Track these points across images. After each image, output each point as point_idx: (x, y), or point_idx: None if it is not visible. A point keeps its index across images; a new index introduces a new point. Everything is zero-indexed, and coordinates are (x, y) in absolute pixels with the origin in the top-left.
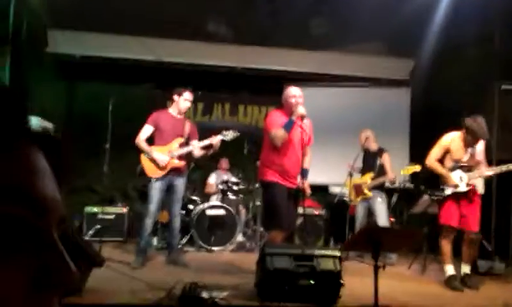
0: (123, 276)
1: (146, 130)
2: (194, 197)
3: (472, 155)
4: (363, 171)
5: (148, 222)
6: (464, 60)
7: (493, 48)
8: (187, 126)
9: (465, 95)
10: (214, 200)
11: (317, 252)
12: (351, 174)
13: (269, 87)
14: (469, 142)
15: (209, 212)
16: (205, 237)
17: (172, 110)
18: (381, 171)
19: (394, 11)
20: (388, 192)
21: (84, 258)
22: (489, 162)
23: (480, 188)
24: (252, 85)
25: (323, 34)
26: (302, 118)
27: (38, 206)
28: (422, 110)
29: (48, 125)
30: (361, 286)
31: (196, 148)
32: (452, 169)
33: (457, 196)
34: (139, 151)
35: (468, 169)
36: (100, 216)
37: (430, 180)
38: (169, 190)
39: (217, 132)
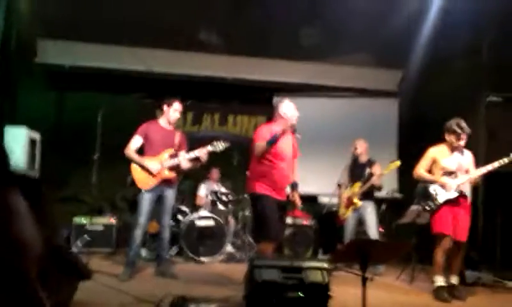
0: (112, 289)
1: (136, 141)
2: (184, 208)
3: (460, 164)
4: (352, 182)
5: (137, 234)
6: (452, 72)
7: (480, 60)
8: (177, 137)
9: (453, 107)
10: (204, 211)
11: (306, 264)
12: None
13: (258, 98)
14: (454, 145)
15: (198, 223)
16: (194, 248)
17: (162, 121)
18: (369, 180)
19: (383, 23)
20: (377, 202)
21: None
22: None
23: (468, 195)
24: (242, 95)
25: (313, 46)
26: (294, 131)
27: (16, 248)
28: (410, 121)
29: (36, 135)
30: (349, 297)
31: (184, 159)
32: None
33: (448, 205)
34: (128, 161)
35: (456, 177)
36: (88, 227)
37: (421, 192)
38: (159, 201)
39: (206, 142)
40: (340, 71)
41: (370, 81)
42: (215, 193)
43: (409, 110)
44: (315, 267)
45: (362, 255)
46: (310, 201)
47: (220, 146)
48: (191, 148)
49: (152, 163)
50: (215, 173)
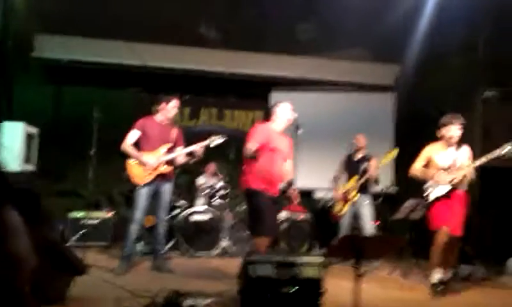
0: (107, 283)
1: (133, 135)
2: (180, 203)
3: (456, 160)
4: (348, 177)
5: (133, 229)
6: (448, 68)
7: (476, 57)
8: (174, 133)
9: (449, 103)
10: (200, 205)
11: (300, 259)
12: (336, 181)
13: (256, 92)
14: (449, 139)
15: (194, 217)
16: (190, 242)
17: (159, 116)
18: (365, 174)
19: (379, 18)
20: (373, 197)
21: (66, 266)
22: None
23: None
24: (239, 90)
25: (310, 40)
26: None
27: (10, 264)
28: (406, 116)
29: (33, 130)
30: (343, 291)
31: (180, 154)
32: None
33: (443, 200)
34: (125, 156)
35: (451, 172)
36: (84, 221)
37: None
38: (155, 196)
39: (203, 136)
40: (337, 66)
41: (366, 76)
42: (211, 187)
43: (405, 106)
44: (309, 262)
45: (356, 250)
46: (306, 195)
47: (216, 140)
48: (188, 143)
49: (148, 157)
50: (211, 166)
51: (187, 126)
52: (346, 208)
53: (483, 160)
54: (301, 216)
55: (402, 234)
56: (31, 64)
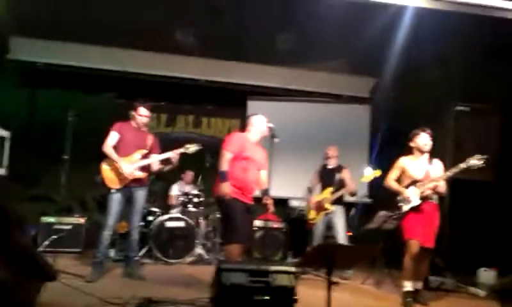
0: (77, 290)
1: (113, 137)
2: (154, 209)
3: (428, 173)
4: (322, 187)
5: (106, 235)
6: (423, 82)
7: (449, 71)
8: (149, 140)
9: (423, 116)
10: (175, 212)
11: (273, 268)
12: (310, 191)
13: (233, 101)
14: (420, 146)
15: (168, 224)
16: (163, 249)
17: (133, 122)
18: (340, 186)
19: (357, 32)
20: (347, 206)
21: (36, 271)
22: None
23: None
24: (216, 98)
25: (287, 51)
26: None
27: None
28: (382, 128)
29: (5, 133)
30: (316, 300)
31: (155, 161)
32: (407, 186)
33: (415, 212)
34: (98, 161)
35: (422, 185)
36: (56, 226)
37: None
38: (129, 201)
39: (180, 143)
40: (314, 77)
41: (343, 87)
42: (186, 194)
43: (381, 118)
44: (282, 270)
45: (328, 259)
46: (280, 204)
47: (192, 148)
48: (164, 149)
49: (126, 164)
50: (189, 175)
51: (164, 133)
52: (320, 217)
53: (448, 174)
54: (275, 225)
55: (375, 244)
56: (6, 66)
